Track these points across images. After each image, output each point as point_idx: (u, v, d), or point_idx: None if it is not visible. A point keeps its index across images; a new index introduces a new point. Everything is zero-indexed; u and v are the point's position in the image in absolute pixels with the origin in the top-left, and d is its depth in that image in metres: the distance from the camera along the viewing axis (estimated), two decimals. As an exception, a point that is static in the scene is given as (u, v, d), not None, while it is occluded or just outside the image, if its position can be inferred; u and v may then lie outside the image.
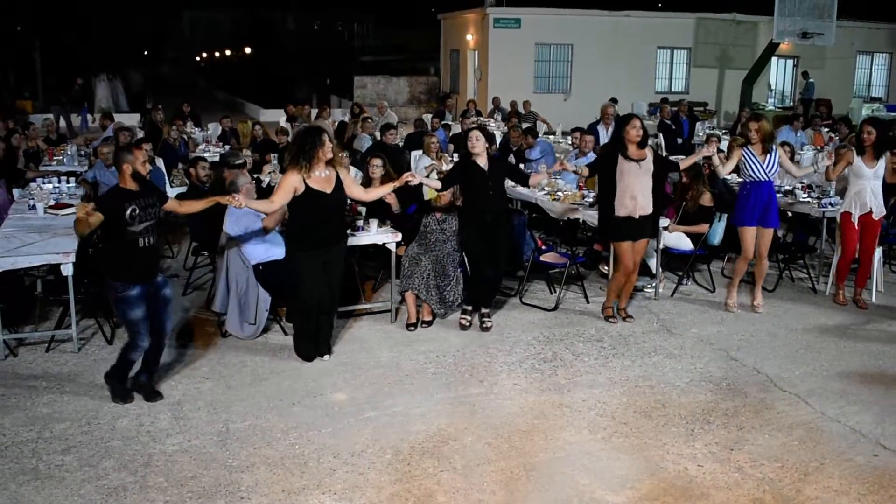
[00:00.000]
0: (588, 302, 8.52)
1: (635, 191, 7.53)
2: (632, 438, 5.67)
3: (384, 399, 6.25)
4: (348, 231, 7.47)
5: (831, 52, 27.67)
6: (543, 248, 8.86)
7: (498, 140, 16.59)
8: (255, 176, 9.35)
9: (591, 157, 10.74)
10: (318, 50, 41.22)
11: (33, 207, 8.70)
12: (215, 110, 26.98)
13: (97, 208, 5.72)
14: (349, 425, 5.81)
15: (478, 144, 7.39)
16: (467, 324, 7.73)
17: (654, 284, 8.78)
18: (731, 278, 8.48)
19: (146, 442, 5.54)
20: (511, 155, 12.44)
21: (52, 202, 9.00)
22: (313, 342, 6.95)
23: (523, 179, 7.91)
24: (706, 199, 8.91)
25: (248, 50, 53.97)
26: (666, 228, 8.67)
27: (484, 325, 7.71)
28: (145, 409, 6.03)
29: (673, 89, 28.17)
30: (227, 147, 14.47)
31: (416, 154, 12.21)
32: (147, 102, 26.80)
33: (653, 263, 8.80)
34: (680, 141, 16.35)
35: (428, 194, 9.65)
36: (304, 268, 6.62)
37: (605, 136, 12.30)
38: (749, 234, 8.10)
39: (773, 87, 28.95)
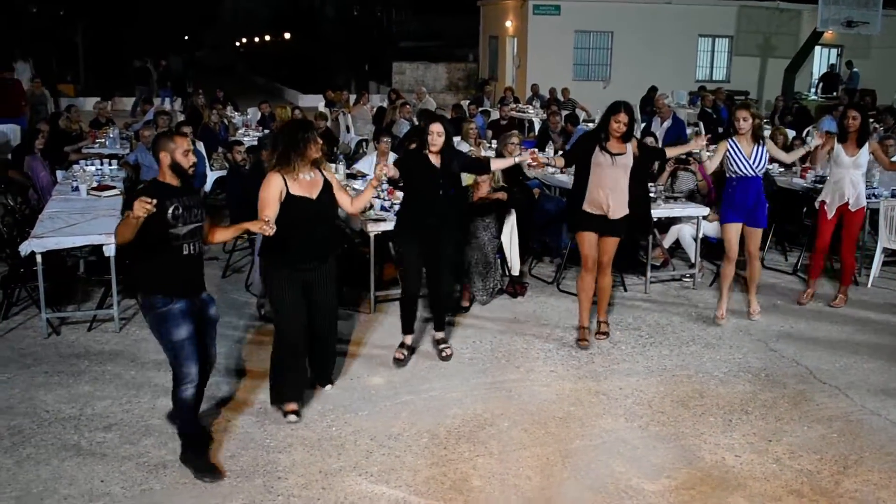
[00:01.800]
0: (626, 290, 8.47)
1: (606, 188, 6.74)
2: (669, 427, 5.64)
3: (420, 383, 6.27)
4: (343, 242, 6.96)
5: (877, 42, 27.20)
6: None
7: (537, 127, 16.59)
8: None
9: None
10: (357, 36, 41.24)
11: (76, 189, 8.83)
12: (255, 95, 27.12)
13: (126, 207, 4.65)
14: (386, 409, 5.85)
15: (438, 141, 6.36)
16: (403, 357, 6.64)
17: (692, 274, 8.72)
18: (720, 286, 7.80)
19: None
20: (551, 141, 12.40)
21: (95, 184, 9.13)
22: (298, 384, 5.78)
23: (483, 168, 7.06)
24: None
25: (287, 36, 54.16)
26: (706, 217, 8.60)
27: (442, 354, 6.73)
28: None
29: (714, 78, 27.87)
30: (266, 131, 14.56)
31: (454, 140, 12.19)
32: (188, 87, 27.00)
33: (691, 252, 8.74)
34: (721, 130, 16.16)
35: (465, 181, 9.65)
36: (280, 288, 5.54)
37: (658, 130, 12.17)
38: (732, 231, 7.46)
39: (813, 77, 28.52)
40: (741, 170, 7.29)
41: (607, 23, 26.81)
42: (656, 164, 9.50)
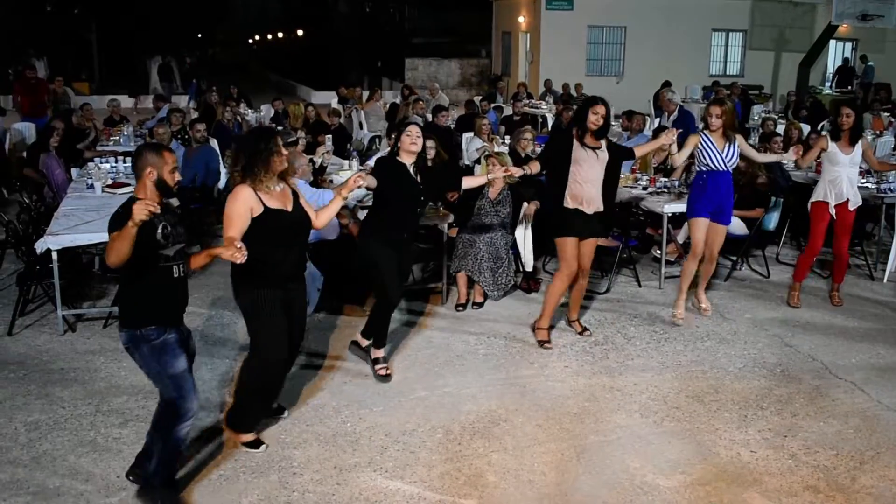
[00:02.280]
0: (640, 286, 8.46)
1: (588, 182, 6.70)
2: (684, 423, 5.63)
3: (435, 379, 6.28)
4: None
5: (892, 35, 27.00)
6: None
7: (550, 123, 16.57)
8: (310, 158, 9.39)
9: (647, 135, 10.67)
10: (369, 32, 41.27)
11: (91, 186, 8.87)
12: (268, 92, 27.18)
13: (111, 228, 4.21)
14: (400, 404, 5.85)
15: (418, 142, 6.11)
16: (389, 371, 6.33)
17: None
18: (679, 283, 7.60)
19: (200, 416, 5.59)
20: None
21: (110, 181, 9.16)
22: (264, 411, 5.47)
23: (456, 187, 6.88)
24: (761, 184, 8.78)
25: (300, 32, 54.25)
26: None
27: (384, 373, 6.31)
28: (199, 384, 6.11)
29: (728, 72, 27.76)
30: (280, 128, 14.58)
31: (467, 136, 12.20)
32: (201, 84, 27.09)
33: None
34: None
35: (480, 173, 9.65)
36: (270, 313, 5.04)
37: (666, 124, 12.14)
38: (700, 226, 7.33)
39: (852, 67, 28.28)
40: (713, 164, 7.22)
41: (620, 17, 26.72)
42: (668, 162, 9.46)
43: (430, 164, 6.71)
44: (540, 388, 6.15)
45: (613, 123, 15.09)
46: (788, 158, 7.84)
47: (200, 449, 5.21)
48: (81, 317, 7.43)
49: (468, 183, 6.64)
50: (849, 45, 29.54)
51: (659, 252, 8.75)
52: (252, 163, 4.87)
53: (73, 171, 10.05)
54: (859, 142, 7.75)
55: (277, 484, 4.84)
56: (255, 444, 5.24)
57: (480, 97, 19.97)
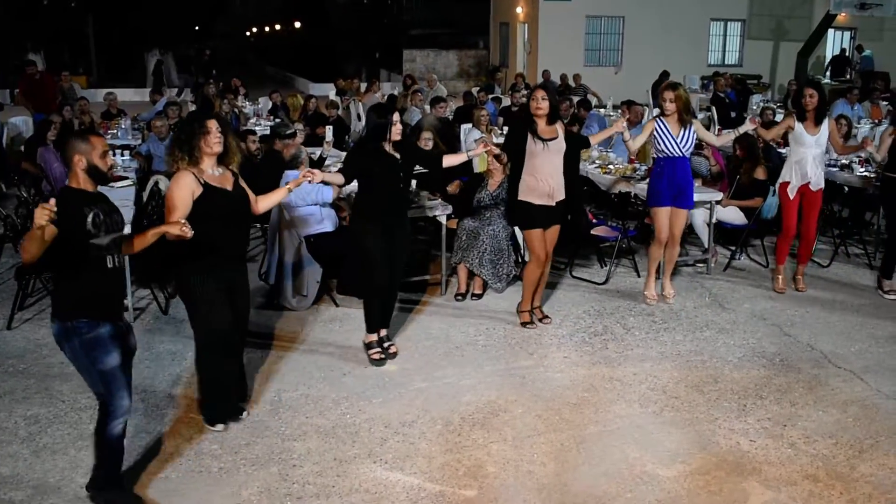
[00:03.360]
0: (639, 276, 8.44)
1: (545, 174, 6.72)
2: (683, 413, 5.63)
3: (434, 370, 6.28)
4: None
5: (890, 23, 26.96)
6: (594, 221, 8.80)
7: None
8: (311, 151, 9.43)
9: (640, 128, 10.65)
10: (367, 24, 41.18)
11: (89, 180, 8.84)
12: (266, 85, 27.13)
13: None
14: (399, 396, 5.86)
15: (396, 136, 6.17)
16: (382, 356, 6.43)
17: (706, 259, 8.68)
18: (648, 267, 7.85)
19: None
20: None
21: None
22: (230, 397, 5.47)
23: (437, 164, 6.79)
24: (760, 173, 8.78)
25: (297, 24, 54.12)
26: (719, 202, 8.56)
27: (390, 351, 6.53)
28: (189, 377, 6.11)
29: (726, 62, 27.72)
30: (278, 120, 14.57)
31: (465, 127, 12.18)
32: (199, 77, 27.05)
33: (705, 238, 8.71)
34: (734, 115, 16.08)
35: (479, 167, 9.64)
36: (210, 294, 5.05)
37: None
38: (662, 215, 7.45)
39: (847, 57, 28.21)
40: (669, 150, 7.29)
41: (619, 7, 26.67)
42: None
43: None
44: (539, 378, 6.15)
45: (612, 115, 15.15)
46: (746, 128, 7.85)
47: (201, 442, 5.21)
48: (80, 310, 7.42)
49: (448, 161, 6.70)
50: (847, 34, 29.47)
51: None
52: (189, 147, 4.97)
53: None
54: (825, 122, 7.75)
55: (277, 476, 4.85)
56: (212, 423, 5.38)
57: (478, 88, 19.92)
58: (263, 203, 5.43)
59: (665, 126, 7.31)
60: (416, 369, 6.30)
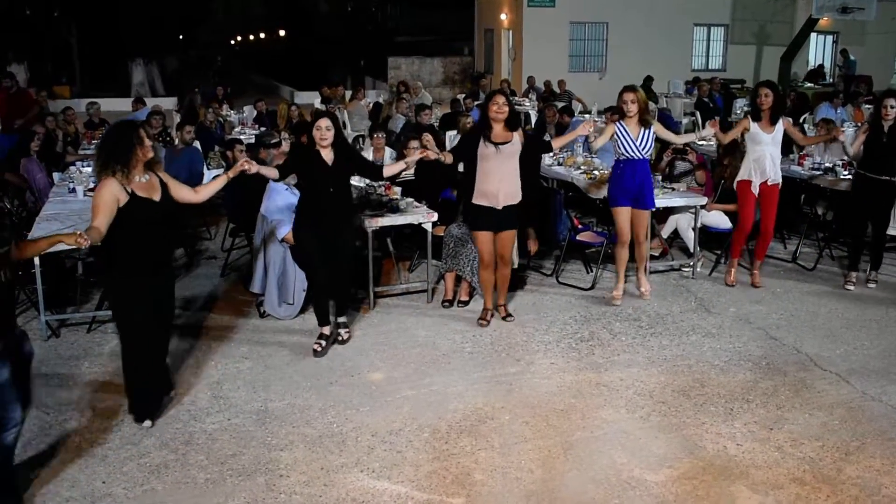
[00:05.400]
0: (625, 281, 8.44)
1: (495, 178, 6.82)
2: (670, 417, 5.64)
3: (421, 378, 6.27)
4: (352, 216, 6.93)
5: (872, 27, 27.14)
6: (580, 227, 8.82)
7: (533, 120, 16.58)
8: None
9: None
10: (351, 31, 41.23)
11: (73, 191, 8.82)
12: (250, 93, 27.08)
13: None
14: (386, 404, 5.84)
15: (328, 135, 6.38)
16: (321, 348, 6.68)
17: (691, 263, 8.71)
18: (616, 269, 7.93)
19: (186, 420, 5.60)
20: (546, 135, 12.35)
21: (92, 185, 9.10)
22: (154, 395, 5.65)
23: (376, 173, 7.04)
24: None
25: (282, 32, 54.11)
26: (704, 207, 8.59)
27: (339, 338, 6.85)
28: (185, 388, 6.09)
29: (710, 67, 27.83)
30: (263, 129, 14.54)
31: (451, 134, 12.20)
32: (184, 86, 26.99)
33: (690, 242, 8.74)
34: (717, 118, 16.11)
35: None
36: (132, 301, 5.23)
37: None
38: (623, 215, 7.59)
39: (822, 65, 28.36)
40: (628, 152, 7.46)
41: (602, 13, 26.74)
42: (653, 153, 9.47)
43: (329, 144, 6.54)
44: (526, 385, 6.15)
45: (597, 119, 15.19)
46: (707, 133, 8.25)
47: (187, 453, 5.19)
48: (65, 322, 7.39)
49: (389, 171, 6.98)
50: (829, 38, 29.66)
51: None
52: (116, 155, 5.04)
53: (55, 176, 9.99)
54: (780, 121, 7.98)
55: (264, 486, 4.82)
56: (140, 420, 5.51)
57: (464, 95, 19.95)
58: (204, 192, 5.64)
59: (624, 128, 7.47)
60: (403, 377, 6.28)
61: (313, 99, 20.22)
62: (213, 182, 5.75)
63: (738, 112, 16.76)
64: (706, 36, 28.45)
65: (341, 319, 6.95)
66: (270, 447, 5.26)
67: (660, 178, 8.96)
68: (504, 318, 7.38)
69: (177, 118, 15.65)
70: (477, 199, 6.92)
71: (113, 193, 4.98)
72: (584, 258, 8.90)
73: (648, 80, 20.34)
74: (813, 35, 27.32)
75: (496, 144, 6.79)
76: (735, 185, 8.26)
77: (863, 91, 19.23)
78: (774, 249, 9.55)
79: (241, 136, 12.88)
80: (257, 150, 8.63)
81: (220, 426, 5.53)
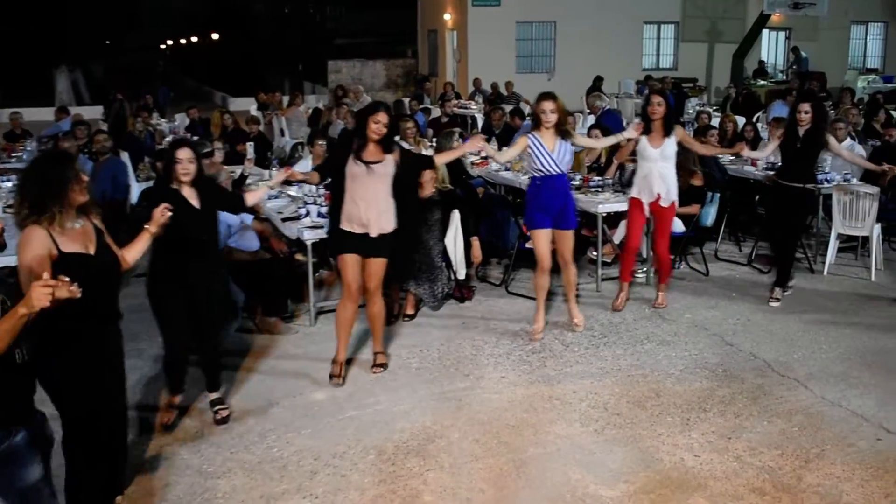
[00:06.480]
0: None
1: (363, 200, 6.18)
2: (625, 430, 5.67)
3: (366, 397, 6.23)
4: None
5: (825, 23, 27.71)
6: (528, 234, 8.83)
7: (480, 123, 16.63)
8: (233, 170, 9.34)
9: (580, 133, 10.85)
10: (289, 34, 41.08)
11: (-9, 207, 8.64)
12: (182, 100, 26.82)
13: None
14: (329, 425, 5.79)
15: (190, 169, 5.47)
16: (169, 420, 5.81)
17: (644, 269, 8.78)
18: (536, 301, 7.42)
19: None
20: (493, 139, 12.42)
21: (12, 201, 8.92)
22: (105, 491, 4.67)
23: (238, 205, 6.20)
24: (697, 179, 8.91)
25: (215, 36, 53.74)
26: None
27: (217, 417, 5.83)
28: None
29: (661, 66, 28.18)
30: (196, 138, 14.39)
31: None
32: (110, 94, 26.66)
33: (643, 247, 8.81)
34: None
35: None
36: (69, 367, 4.25)
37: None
38: (542, 238, 7.07)
39: (762, 61, 28.92)
40: (545, 167, 6.92)
41: (549, 12, 26.95)
42: (603, 157, 9.57)
43: (191, 180, 5.57)
44: (476, 400, 6.14)
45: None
46: (629, 135, 7.68)
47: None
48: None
49: (252, 199, 6.24)
50: (782, 35, 30.21)
51: (595, 253, 8.81)
52: (42, 197, 4.05)
53: (-28, 192, 9.77)
54: (673, 133, 7.58)
55: (200, 517, 4.76)
56: None
57: (410, 98, 19.97)
58: (130, 255, 4.62)
59: (538, 140, 6.92)
60: (347, 397, 6.24)
61: (249, 105, 20.08)
62: (137, 243, 4.66)
63: (691, 111, 17.00)
64: (657, 34, 28.83)
65: (214, 395, 5.97)
66: (206, 475, 5.18)
67: (610, 181, 9.03)
68: (374, 367, 6.64)
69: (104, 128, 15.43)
70: (345, 225, 6.27)
71: (44, 246, 4.01)
72: (534, 267, 8.89)
73: (598, 81, 20.55)
74: (765, 32, 27.85)
75: (367, 163, 6.18)
76: (626, 203, 7.97)
77: (816, 88, 19.64)
78: (729, 252, 9.70)
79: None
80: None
81: (152, 454, 5.43)
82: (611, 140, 8.21)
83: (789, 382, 6.37)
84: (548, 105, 6.92)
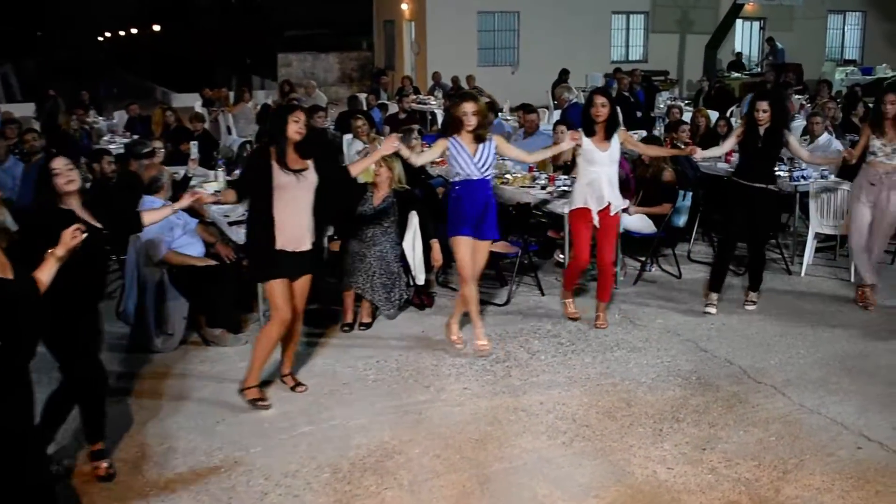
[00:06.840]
0: (543, 294, 8.54)
1: (295, 212, 6.04)
2: (595, 442, 5.70)
3: (320, 412, 6.21)
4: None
5: (800, 13, 28.07)
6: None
7: (440, 119, 16.64)
8: (175, 171, 9.25)
9: (546, 133, 10.92)
10: (236, 26, 40.91)
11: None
12: (122, 96, 26.59)
13: None
14: (281, 443, 5.77)
15: (73, 175, 5.09)
16: (111, 473, 5.36)
17: (614, 272, 8.82)
18: (457, 308, 7.30)
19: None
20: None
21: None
22: None
23: (136, 225, 5.71)
24: (668, 177, 8.96)
25: (156, 28, 53.37)
26: (626, 210, 8.71)
27: (98, 472, 5.35)
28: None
29: (630, 58, 28.42)
30: (135, 137, 14.27)
31: (347, 138, 12.16)
32: (43, 90, 26.34)
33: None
34: (639, 114, 16.47)
35: (363, 177, 9.60)
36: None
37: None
38: (464, 247, 6.89)
39: (740, 53, 29.23)
40: (465, 170, 6.82)
41: (513, 2, 27.03)
42: (570, 156, 9.58)
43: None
44: (437, 414, 6.14)
45: (509, 118, 15.32)
46: (567, 146, 7.48)
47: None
48: None
49: (149, 218, 5.75)
50: (756, 25, 30.56)
51: (562, 256, 8.85)
52: None
53: None
54: (615, 135, 7.47)
55: (141, 543, 4.71)
56: None
57: (366, 93, 19.94)
58: (45, 275, 4.35)
59: (459, 144, 6.81)
60: (299, 412, 6.21)
61: (194, 101, 19.96)
62: (44, 269, 4.35)
63: (662, 106, 17.12)
64: (625, 24, 29.03)
65: (98, 446, 5.46)
66: (149, 499, 5.14)
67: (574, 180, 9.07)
68: (293, 389, 6.52)
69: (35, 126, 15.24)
70: (279, 244, 6.03)
71: None
72: (497, 270, 8.94)
73: (564, 74, 20.64)
74: (739, 22, 28.13)
75: (295, 172, 6.01)
76: (567, 214, 7.90)
77: (792, 80, 19.88)
78: (703, 253, 9.78)
79: (111, 146, 12.60)
80: (127, 161, 8.46)
81: (89, 478, 5.36)
82: (542, 154, 7.96)
83: (766, 389, 6.44)
84: (469, 107, 6.78)
